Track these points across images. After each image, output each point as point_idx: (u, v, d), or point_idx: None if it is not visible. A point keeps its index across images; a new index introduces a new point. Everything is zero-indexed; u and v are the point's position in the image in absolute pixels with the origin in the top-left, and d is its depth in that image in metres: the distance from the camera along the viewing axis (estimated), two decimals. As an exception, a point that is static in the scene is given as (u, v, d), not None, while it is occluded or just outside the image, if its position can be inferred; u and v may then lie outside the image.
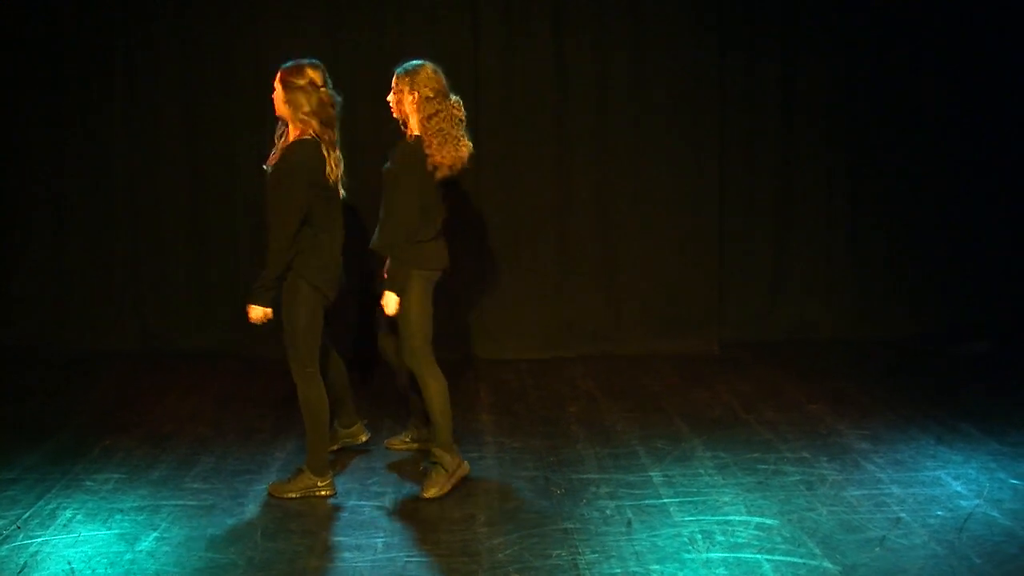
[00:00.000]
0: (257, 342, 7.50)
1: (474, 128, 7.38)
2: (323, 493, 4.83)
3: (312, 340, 4.80)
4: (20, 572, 4.07)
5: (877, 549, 4.19)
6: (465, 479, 4.96)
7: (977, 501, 4.66)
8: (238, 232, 7.57)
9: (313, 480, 4.84)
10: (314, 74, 4.81)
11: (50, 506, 4.68)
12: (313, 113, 4.76)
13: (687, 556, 4.15)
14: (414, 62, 4.98)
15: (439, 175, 4.82)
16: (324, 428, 4.89)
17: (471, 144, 4.94)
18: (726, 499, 4.72)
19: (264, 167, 4.86)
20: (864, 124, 7.80)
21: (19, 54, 7.48)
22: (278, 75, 4.83)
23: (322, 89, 4.81)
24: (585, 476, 5.05)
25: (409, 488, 4.93)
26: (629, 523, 4.46)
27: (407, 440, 5.51)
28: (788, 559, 4.12)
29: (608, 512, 4.59)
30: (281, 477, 5.02)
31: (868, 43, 7.72)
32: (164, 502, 4.73)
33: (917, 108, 7.78)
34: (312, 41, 7.41)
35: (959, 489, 4.80)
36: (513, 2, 7.48)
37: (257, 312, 4.77)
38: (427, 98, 4.84)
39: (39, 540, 4.33)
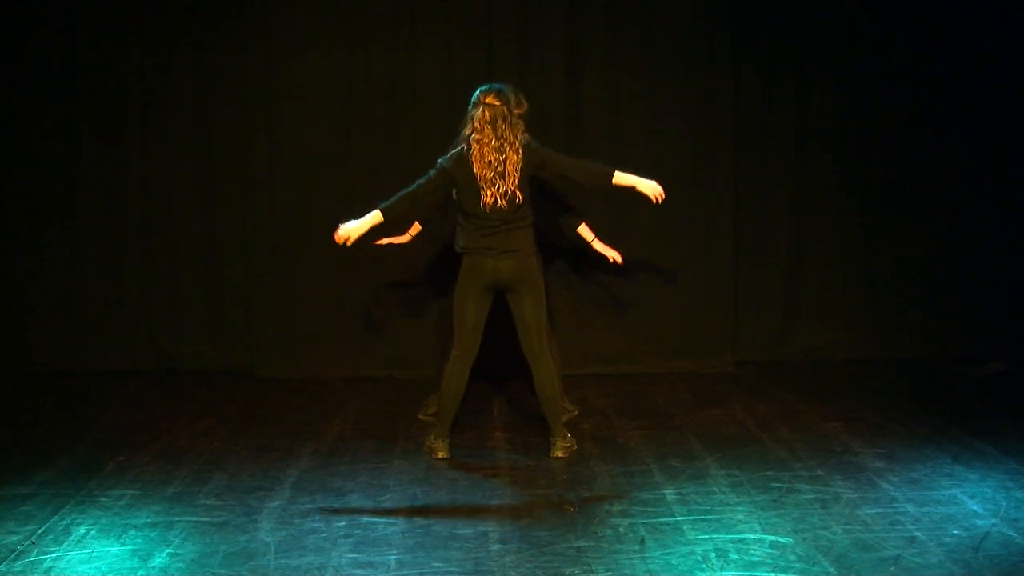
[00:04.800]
0: (270, 362, 7.55)
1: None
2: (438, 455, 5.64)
3: (455, 319, 5.61)
4: (34, 587, 4.09)
5: (892, 568, 4.16)
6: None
7: (994, 520, 4.62)
8: (252, 252, 7.60)
9: (430, 439, 5.70)
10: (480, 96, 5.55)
11: (64, 522, 4.69)
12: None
13: (701, 574, 4.13)
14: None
15: None
16: (444, 403, 5.63)
17: None
18: (740, 517, 4.70)
19: None
20: (877, 149, 7.82)
21: (32, 78, 7.54)
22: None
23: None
24: (599, 494, 5.04)
25: (422, 504, 4.92)
26: (642, 541, 4.45)
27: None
28: (802, 578, 4.11)
29: (621, 530, 4.57)
30: (295, 494, 5.03)
31: (881, 72, 7.75)
32: (177, 518, 4.74)
33: (929, 133, 7.80)
34: (326, 65, 7.47)
35: (975, 508, 4.77)
36: (527, 33, 7.52)
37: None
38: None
39: (53, 556, 4.34)
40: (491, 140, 5.42)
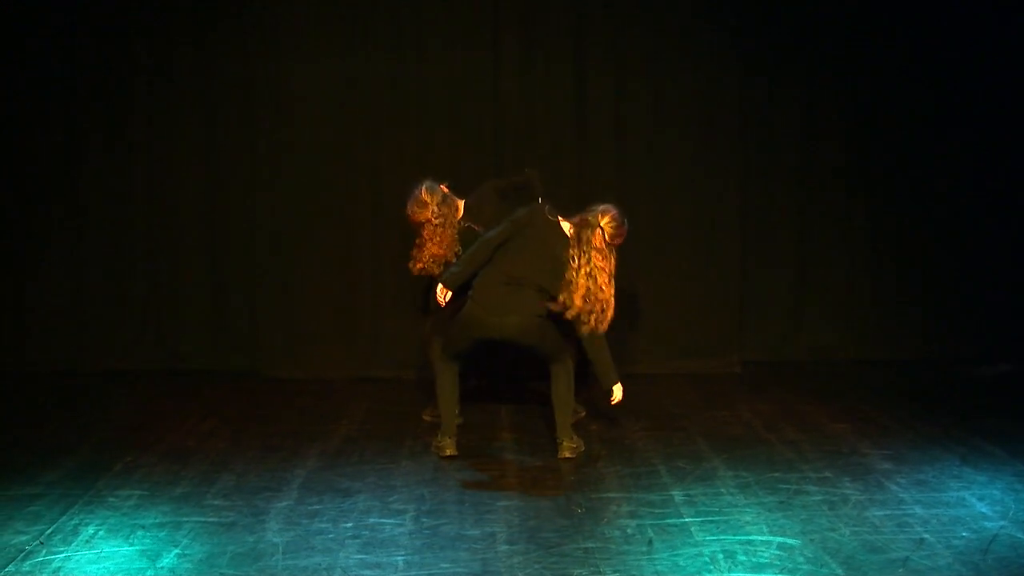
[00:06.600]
0: (274, 362, 7.55)
1: (495, 152, 7.46)
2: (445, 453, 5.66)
3: (449, 337, 5.68)
4: (43, 588, 4.08)
5: (900, 570, 4.15)
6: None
7: (1002, 522, 4.62)
8: (257, 253, 7.60)
9: (436, 439, 5.72)
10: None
11: (73, 522, 4.69)
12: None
13: (709, 576, 4.14)
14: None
15: None
16: (442, 408, 5.72)
17: None
18: (748, 519, 4.70)
19: None
20: (880, 150, 7.83)
21: (38, 81, 7.55)
22: None
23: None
24: (606, 495, 5.04)
25: (429, 505, 4.92)
26: (650, 542, 4.44)
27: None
28: (811, 579, 4.10)
29: (629, 531, 4.57)
30: (302, 495, 5.03)
31: (888, 72, 7.77)
32: (185, 519, 4.73)
33: (929, 133, 7.82)
34: (328, 65, 7.47)
35: (984, 510, 4.77)
36: (533, 31, 7.54)
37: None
38: None
39: (62, 556, 4.34)
40: (581, 259, 5.42)
